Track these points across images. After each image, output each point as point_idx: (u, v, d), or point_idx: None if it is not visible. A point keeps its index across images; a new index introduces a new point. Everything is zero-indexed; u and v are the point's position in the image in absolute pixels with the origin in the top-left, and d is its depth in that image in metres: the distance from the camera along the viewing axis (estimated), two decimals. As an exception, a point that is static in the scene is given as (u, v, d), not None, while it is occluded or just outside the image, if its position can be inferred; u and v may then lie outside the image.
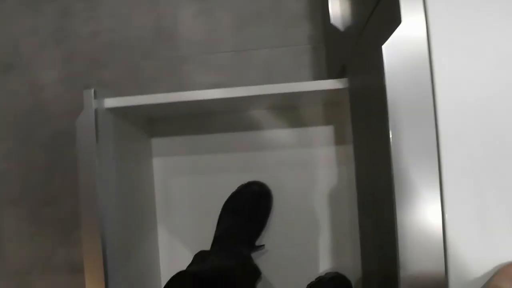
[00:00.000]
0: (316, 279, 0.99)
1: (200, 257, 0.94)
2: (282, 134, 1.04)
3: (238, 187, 1.03)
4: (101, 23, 1.12)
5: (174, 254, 1.06)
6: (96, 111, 0.77)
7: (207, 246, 0.99)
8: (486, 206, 0.46)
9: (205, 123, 1.06)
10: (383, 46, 0.46)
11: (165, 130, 1.07)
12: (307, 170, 1.03)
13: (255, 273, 0.99)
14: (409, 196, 0.46)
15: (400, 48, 0.47)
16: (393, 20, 0.47)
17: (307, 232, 1.03)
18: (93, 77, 1.11)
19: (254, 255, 1.00)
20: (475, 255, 0.46)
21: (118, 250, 0.83)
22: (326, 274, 1.00)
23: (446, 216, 0.46)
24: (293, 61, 1.06)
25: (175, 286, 0.76)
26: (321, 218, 1.03)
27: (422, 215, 0.46)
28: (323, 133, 1.02)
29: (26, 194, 1.12)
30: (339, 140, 1.02)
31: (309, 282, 0.99)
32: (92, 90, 0.78)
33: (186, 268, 0.88)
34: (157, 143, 1.07)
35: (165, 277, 1.05)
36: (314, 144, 1.03)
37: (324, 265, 1.03)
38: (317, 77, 1.05)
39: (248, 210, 0.99)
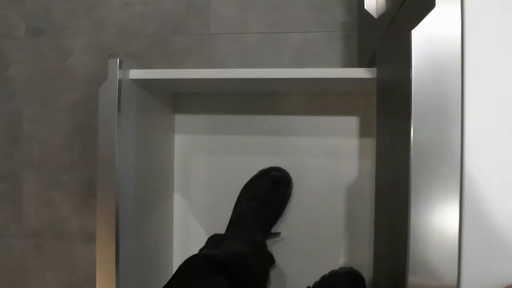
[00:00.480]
0: (329, 272, 0.97)
1: (214, 240, 0.94)
2: (307, 121, 1.01)
3: (258, 172, 1.01)
4: (134, -6, 1.11)
5: (188, 231, 1.06)
6: (120, 81, 0.77)
7: (222, 227, 0.98)
8: (507, 220, 0.43)
9: (230, 103, 1.04)
10: (412, 31, 0.43)
11: (189, 107, 1.06)
12: (329, 160, 1.00)
13: (269, 260, 0.98)
14: (426, 198, 0.43)
15: (431, 36, 0.43)
16: (426, 4, 0.43)
17: (325, 223, 1.01)
18: (121, 47, 1.11)
19: (269, 242, 0.99)
20: (491, 272, 0.43)
21: (132, 222, 0.84)
22: (340, 268, 0.98)
23: (464, 225, 0.43)
24: (325, 47, 1.03)
25: (189, 269, 0.76)
26: (340, 211, 1.00)
27: (439, 219, 0.43)
28: (349, 124, 0.99)
29: (47, 158, 1.14)
30: (364, 132, 0.99)
31: (322, 275, 0.97)
32: (118, 60, 0.77)
33: (199, 251, 0.88)
34: (180, 119, 1.06)
35: (177, 255, 1.06)
36: (340, 134, 1.00)
37: (339, 259, 1.01)
38: (348, 65, 1.02)
39: (266, 196, 0.98)
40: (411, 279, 0.43)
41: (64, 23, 1.14)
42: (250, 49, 1.06)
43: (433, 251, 0.43)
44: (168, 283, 0.73)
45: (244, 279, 0.80)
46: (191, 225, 1.06)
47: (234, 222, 0.97)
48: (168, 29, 1.09)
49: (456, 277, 0.43)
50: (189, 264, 0.77)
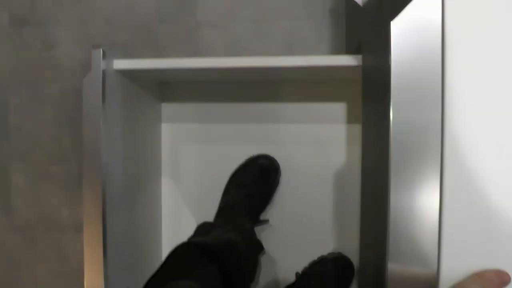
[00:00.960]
0: (318, 258, 0.98)
1: (202, 229, 0.94)
2: (295, 108, 1.01)
3: (246, 160, 1.01)
4: (120, -17, 1.09)
5: (177, 220, 1.07)
6: (104, 72, 0.76)
7: (211, 215, 0.98)
8: (487, 207, 0.43)
9: (218, 91, 1.04)
10: (392, 22, 0.43)
11: (176, 96, 1.05)
12: (317, 147, 1.01)
13: (258, 248, 0.98)
14: (406, 185, 0.44)
15: (411, 27, 0.43)
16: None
17: (313, 210, 1.01)
18: (108, 37, 1.09)
19: (257, 229, 0.99)
20: (471, 258, 0.44)
21: (119, 212, 0.84)
22: (329, 254, 0.99)
23: (444, 210, 0.44)
24: (313, 35, 1.02)
25: (181, 255, 0.76)
26: (328, 197, 1.01)
27: (419, 204, 0.44)
28: (337, 110, 0.99)
29: (35, 150, 1.13)
30: (351, 118, 0.99)
31: (311, 261, 0.98)
32: (101, 50, 0.76)
33: (188, 240, 0.88)
34: (167, 108, 1.06)
35: (166, 243, 1.06)
36: (327, 121, 1.00)
37: (327, 245, 1.01)
38: (337, 52, 1.01)
39: (254, 183, 0.98)
40: (391, 265, 0.44)
41: (50, 13, 1.12)
42: (238, 37, 1.05)
43: (413, 237, 0.44)
44: (159, 269, 0.73)
45: (234, 266, 0.80)
46: (180, 214, 1.06)
47: (222, 210, 0.97)
48: (155, 18, 1.08)
49: (436, 263, 0.44)
50: (181, 250, 0.77)
